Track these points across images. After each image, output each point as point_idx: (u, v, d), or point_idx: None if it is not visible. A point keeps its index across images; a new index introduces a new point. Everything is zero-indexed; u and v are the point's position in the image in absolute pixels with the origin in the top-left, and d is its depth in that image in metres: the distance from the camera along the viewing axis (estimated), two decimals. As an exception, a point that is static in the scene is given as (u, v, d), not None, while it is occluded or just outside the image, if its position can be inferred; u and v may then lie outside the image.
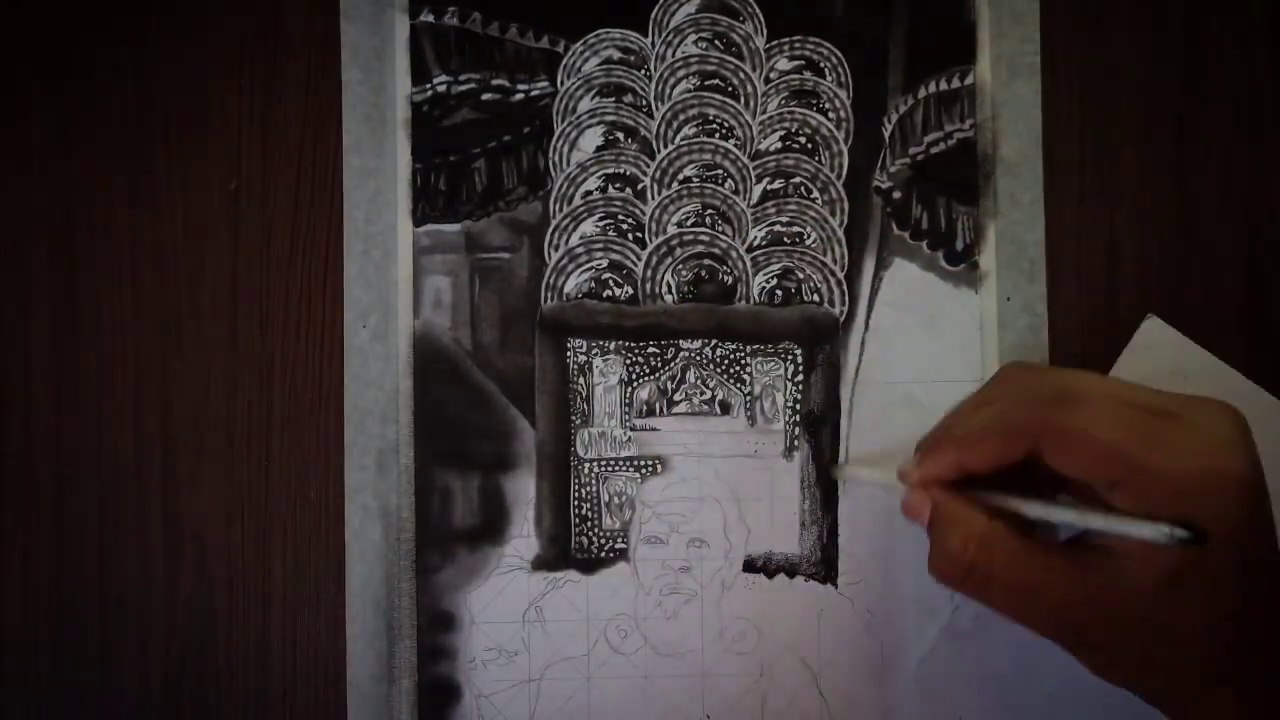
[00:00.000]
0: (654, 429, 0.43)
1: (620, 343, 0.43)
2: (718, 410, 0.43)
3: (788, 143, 0.43)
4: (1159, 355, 0.41)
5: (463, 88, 0.43)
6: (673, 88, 0.43)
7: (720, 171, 0.43)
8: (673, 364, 0.43)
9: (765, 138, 0.43)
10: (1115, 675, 0.34)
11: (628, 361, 0.43)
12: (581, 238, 0.43)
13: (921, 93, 0.43)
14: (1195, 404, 0.32)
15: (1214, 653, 0.32)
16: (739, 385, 0.43)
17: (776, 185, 0.43)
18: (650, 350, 0.43)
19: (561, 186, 0.43)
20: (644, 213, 0.43)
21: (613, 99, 0.43)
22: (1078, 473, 0.32)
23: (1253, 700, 0.32)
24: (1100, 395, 0.33)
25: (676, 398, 0.43)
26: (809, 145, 0.43)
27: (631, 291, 0.43)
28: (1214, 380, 0.41)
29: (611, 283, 0.43)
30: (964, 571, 0.34)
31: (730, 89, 0.43)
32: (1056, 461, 0.32)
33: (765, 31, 0.43)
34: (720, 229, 0.43)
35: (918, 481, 0.36)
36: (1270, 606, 0.32)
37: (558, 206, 0.43)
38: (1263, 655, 0.32)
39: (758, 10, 0.43)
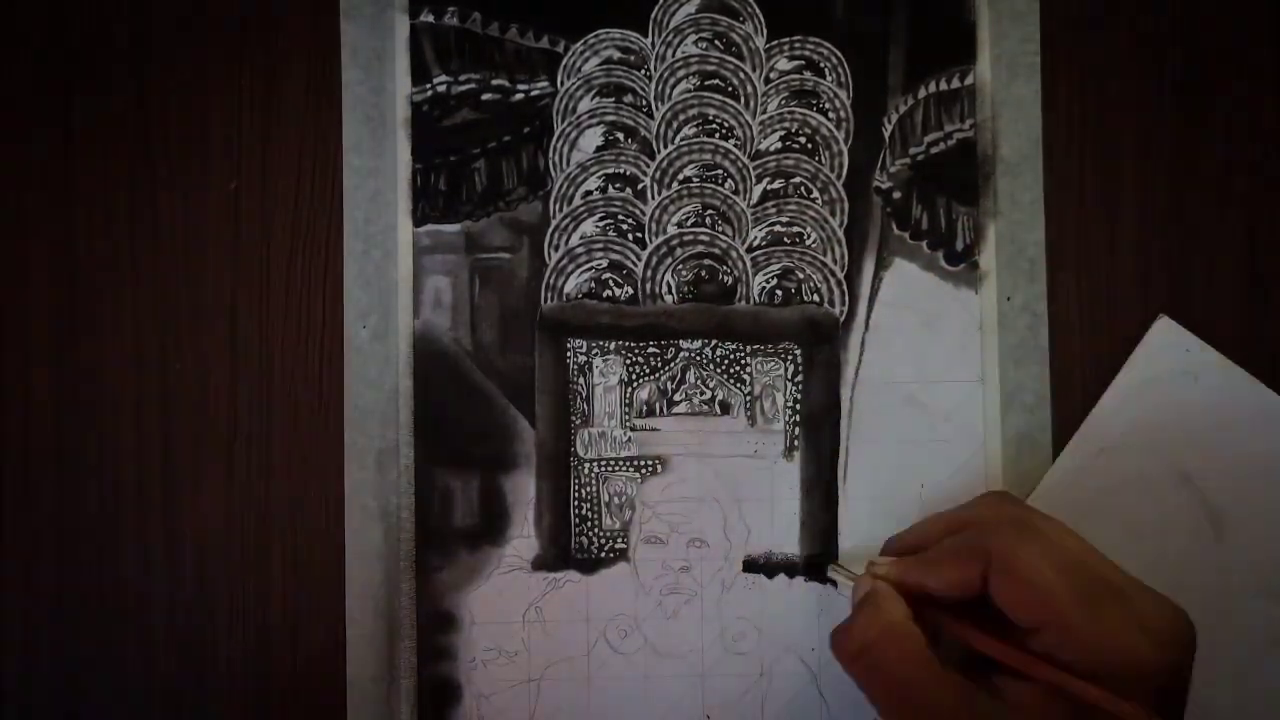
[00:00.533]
0: (654, 429, 0.43)
1: (620, 343, 0.43)
2: (718, 410, 0.43)
3: (788, 143, 0.43)
4: (1169, 356, 0.41)
5: (463, 88, 0.43)
6: (673, 88, 0.43)
7: (720, 171, 0.43)
8: (673, 364, 0.43)
9: (765, 138, 0.43)
10: None
11: (628, 361, 0.43)
12: (581, 238, 0.43)
13: (921, 93, 0.43)
14: (1148, 595, 0.33)
15: None
16: (739, 385, 0.43)
17: (776, 185, 0.43)
18: (650, 350, 0.43)
19: (561, 186, 0.43)
20: (644, 213, 0.43)
21: (613, 99, 0.43)
22: (1008, 607, 0.33)
23: None
24: (1057, 543, 0.33)
25: (676, 398, 0.43)
26: (809, 145, 0.43)
27: (631, 291, 0.43)
28: (1224, 382, 0.42)
29: (611, 283, 0.43)
30: (858, 649, 0.34)
31: (730, 89, 0.43)
32: (995, 591, 0.33)
33: (765, 31, 0.43)
34: (720, 229, 0.43)
35: (888, 580, 0.36)
36: None
37: (558, 206, 0.43)
38: None
39: (758, 10, 0.43)
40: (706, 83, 0.43)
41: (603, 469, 0.42)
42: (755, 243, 0.43)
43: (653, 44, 0.43)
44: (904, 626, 0.34)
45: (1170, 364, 0.42)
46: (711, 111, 0.43)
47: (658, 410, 0.43)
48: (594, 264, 0.43)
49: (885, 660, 0.34)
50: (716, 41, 0.43)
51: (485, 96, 0.43)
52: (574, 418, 0.43)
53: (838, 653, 0.35)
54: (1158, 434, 0.41)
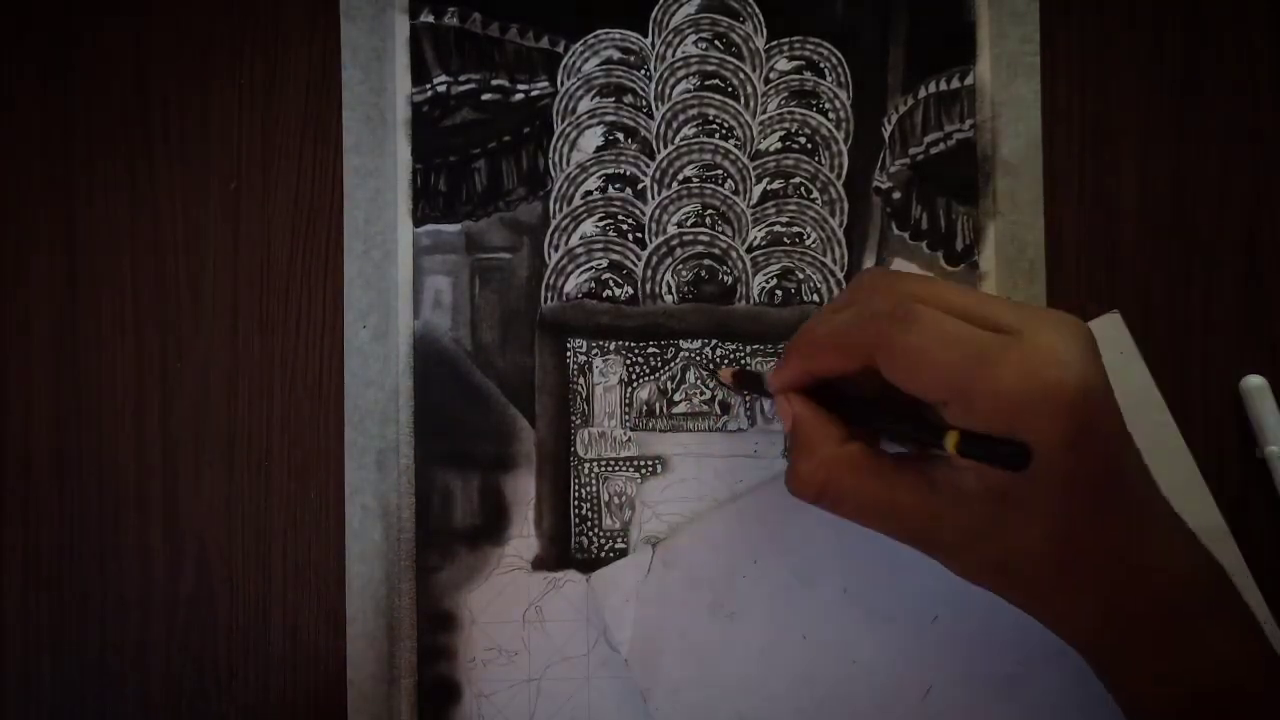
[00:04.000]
0: (654, 429, 0.43)
1: (620, 343, 0.43)
2: (718, 410, 0.43)
3: (788, 143, 0.43)
4: (1103, 347, 0.41)
5: (463, 88, 0.43)
6: (673, 88, 0.43)
7: (720, 172, 0.43)
8: (673, 364, 0.43)
9: (765, 138, 0.43)
10: (973, 577, 0.35)
11: (628, 362, 0.43)
12: (581, 238, 0.43)
13: (921, 93, 0.43)
14: (1038, 319, 0.32)
15: (1050, 564, 0.33)
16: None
17: (776, 185, 0.43)
18: (650, 350, 0.43)
19: (561, 187, 0.43)
20: (644, 213, 0.43)
21: (613, 99, 0.43)
22: (909, 389, 0.33)
23: (1106, 604, 0.33)
24: (939, 311, 0.32)
25: (676, 398, 0.43)
26: (809, 145, 0.43)
27: (631, 291, 0.43)
28: (1139, 399, 0.41)
29: (611, 283, 0.43)
30: (816, 491, 0.36)
31: (730, 89, 0.43)
32: (890, 377, 0.33)
33: (765, 32, 0.43)
34: (720, 229, 0.43)
35: (776, 389, 0.37)
36: (1109, 518, 0.32)
37: (558, 207, 0.43)
38: (1107, 563, 0.33)
39: (757, 10, 0.43)
40: (706, 83, 0.43)
41: (603, 469, 0.42)
42: (755, 243, 0.43)
43: (653, 44, 0.43)
44: (841, 456, 0.35)
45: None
46: (711, 112, 0.43)
47: (658, 410, 0.43)
48: (594, 264, 0.43)
49: (842, 493, 0.35)
50: (716, 42, 0.43)
51: (485, 96, 0.43)
52: (574, 417, 0.43)
53: (802, 499, 0.36)
54: None
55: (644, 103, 0.43)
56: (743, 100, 0.43)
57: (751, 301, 0.43)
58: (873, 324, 0.33)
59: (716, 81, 0.43)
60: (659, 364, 0.43)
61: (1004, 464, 0.31)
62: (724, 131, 0.43)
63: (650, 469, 0.43)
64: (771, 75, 0.43)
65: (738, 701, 0.40)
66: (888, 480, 0.35)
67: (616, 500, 0.42)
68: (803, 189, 0.43)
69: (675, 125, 0.43)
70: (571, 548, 0.42)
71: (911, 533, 0.35)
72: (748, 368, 0.42)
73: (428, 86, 0.43)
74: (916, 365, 0.32)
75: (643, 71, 0.43)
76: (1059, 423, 0.30)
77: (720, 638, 0.41)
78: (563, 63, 0.43)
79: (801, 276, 0.43)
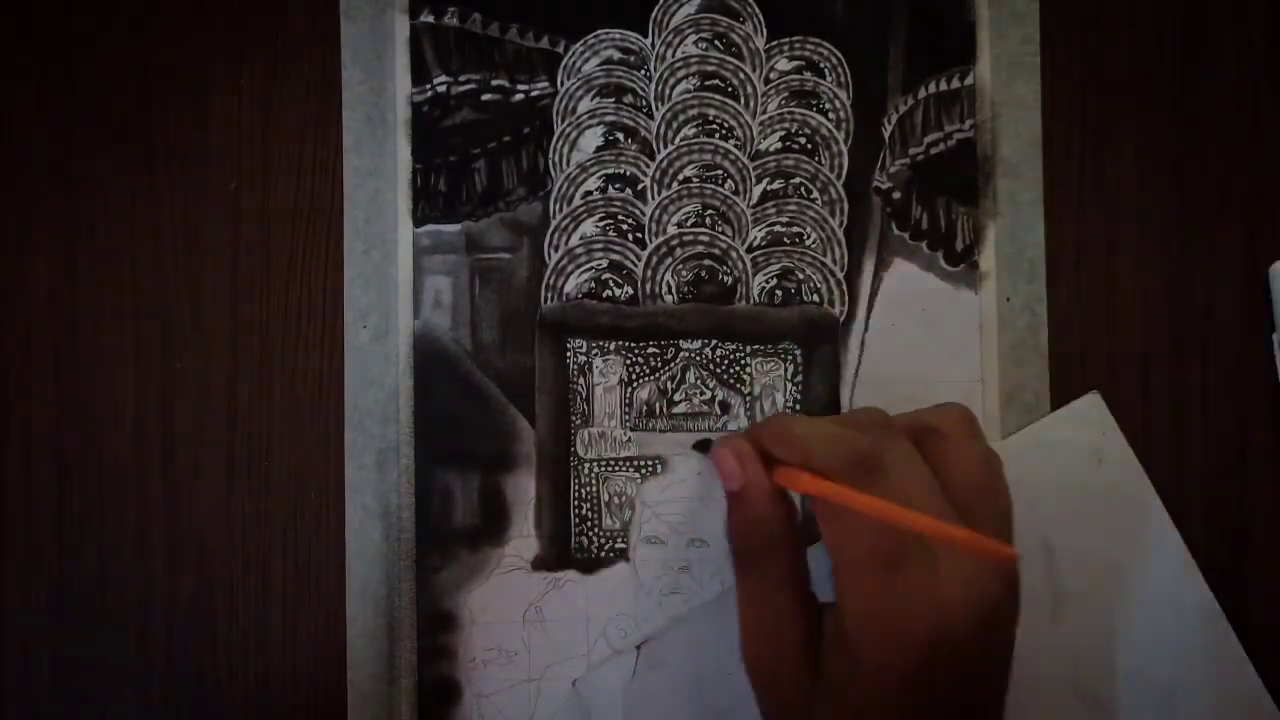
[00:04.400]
0: (654, 429, 0.43)
1: (620, 343, 0.43)
2: (718, 410, 0.43)
3: (788, 143, 0.43)
4: (1085, 430, 0.42)
5: (463, 88, 0.43)
6: (673, 88, 0.43)
7: (720, 172, 0.43)
8: (673, 364, 0.43)
9: (765, 138, 0.43)
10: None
11: (628, 362, 0.43)
12: (581, 238, 0.43)
13: (921, 93, 0.43)
14: (966, 551, 0.32)
15: None
16: (739, 385, 0.43)
17: (776, 186, 0.43)
18: (650, 350, 0.43)
19: (561, 187, 0.43)
20: (644, 213, 0.43)
21: (613, 99, 0.43)
22: (821, 525, 0.34)
23: None
24: (886, 492, 0.33)
25: (676, 398, 0.43)
26: (809, 146, 0.43)
27: (631, 292, 0.43)
28: (1120, 476, 0.41)
29: (611, 283, 0.43)
30: (742, 532, 0.37)
31: (730, 89, 0.43)
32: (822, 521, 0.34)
33: (765, 32, 0.43)
34: (720, 229, 0.43)
35: (733, 452, 0.37)
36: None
37: (558, 207, 0.43)
38: None
39: (758, 10, 0.43)
40: (706, 83, 0.43)
41: (603, 469, 0.42)
42: (755, 243, 0.43)
43: (653, 44, 0.43)
44: (776, 543, 0.36)
45: (1082, 437, 0.42)
46: (711, 112, 0.43)
47: (658, 410, 0.43)
48: (594, 264, 0.43)
49: (756, 572, 0.36)
50: (716, 42, 0.43)
51: (485, 97, 0.43)
52: (574, 417, 0.43)
53: (743, 514, 0.37)
54: (1040, 497, 0.41)
55: (644, 103, 0.43)
56: (743, 100, 0.43)
57: (751, 301, 0.43)
58: (841, 466, 0.34)
59: (716, 81, 0.43)
60: (659, 364, 0.43)
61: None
62: (724, 131, 0.43)
63: (650, 469, 0.43)
64: (771, 75, 0.43)
65: None
66: (792, 574, 0.36)
67: (616, 500, 0.42)
68: (803, 189, 0.43)
69: (675, 125, 0.43)
70: (571, 548, 0.42)
71: (758, 641, 0.36)
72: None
73: (428, 86, 0.43)
74: (836, 535, 0.34)
75: (643, 72, 0.43)
76: (906, 656, 0.32)
77: None
78: (563, 63, 0.43)
79: (801, 276, 0.43)
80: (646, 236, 0.43)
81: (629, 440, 0.43)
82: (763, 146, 0.43)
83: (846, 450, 0.34)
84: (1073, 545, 0.41)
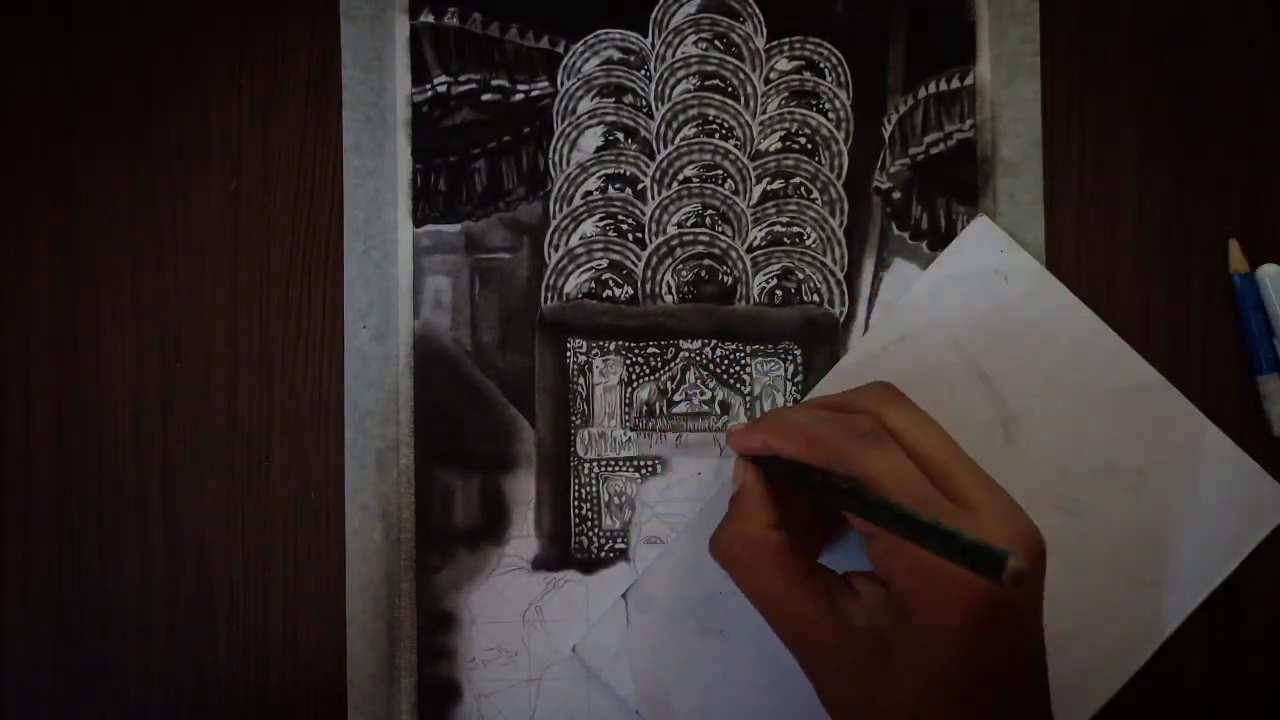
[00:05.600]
0: (654, 429, 0.43)
1: (620, 343, 0.43)
2: (718, 410, 0.43)
3: (788, 143, 0.43)
4: (983, 253, 0.42)
5: (463, 88, 0.43)
6: (673, 88, 0.43)
7: (720, 172, 0.43)
8: (673, 364, 0.43)
9: (765, 138, 0.43)
10: (836, 713, 0.35)
11: (628, 362, 0.43)
12: (581, 238, 0.43)
13: (921, 93, 0.43)
14: (998, 510, 0.33)
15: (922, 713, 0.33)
16: (739, 385, 0.43)
17: (776, 185, 0.43)
18: (650, 350, 0.43)
19: (561, 187, 0.43)
20: (644, 213, 0.43)
21: (613, 99, 0.43)
22: (796, 453, 0.35)
23: None
24: (907, 453, 0.33)
25: (676, 398, 0.43)
26: (809, 145, 0.43)
27: (631, 292, 0.43)
28: (1032, 286, 0.42)
29: (611, 283, 0.43)
30: (725, 560, 0.37)
31: (730, 89, 0.43)
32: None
33: (765, 32, 0.43)
34: (720, 229, 0.43)
35: (736, 448, 0.38)
36: (984, 693, 0.33)
37: (558, 207, 0.43)
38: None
39: (757, 10, 0.43)
40: (706, 83, 0.43)
41: (603, 469, 0.42)
42: (755, 243, 0.43)
43: (653, 44, 0.43)
44: (764, 539, 0.36)
45: (983, 262, 0.42)
46: (711, 112, 0.43)
47: (658, 410, 0.43)
48: (594, 264, 0.43)
49: (745, 572, 0.36)
50: (716, 42, 0.43)
51: (485, 97, 0.43)
52: (574, 418, 0.43)
53: (711, 556, 0.37)
54: (961, 329, 0.41)
55: (644, 103, 0.43)
56: (743, 100, 0.43)
57: (751, 301, 0.43)
58: (851, 436, 0.34)
59: (716, 81, 0.43)
60: (659, 364, 0.43)
61: (977, 568, 0.26)
62: (724, 131, 0.43)
63: (650, 469, 0.43)
64: (771, 75, 0.43)
65: (754, 713, 0.40)
66: (791, 583, 0.35)
67: (616, 500, 0.42)
68: (803, 189, 0.43)
69: (675, 125, 0.43)
70: (571, 548, 0.42)
71: (793, 641, 0.35)
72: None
73: (428, 87, 0.43)
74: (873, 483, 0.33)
75: (643, 71, 0.43)
76: (973, 608, 0.31)
77: (718, 658, 0.41)
78: (563, 63, 0.43)
79: (801, 276, 0.43)
80: (646, 236, 0.43)
81: (629, 440, 0.43)
82: (763, 146, 0.43)
83: (845, 429, 0.34)
84: (1006, 367, 0.41)
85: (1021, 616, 0.33)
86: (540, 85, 0.43)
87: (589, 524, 0.42)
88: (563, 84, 0.43)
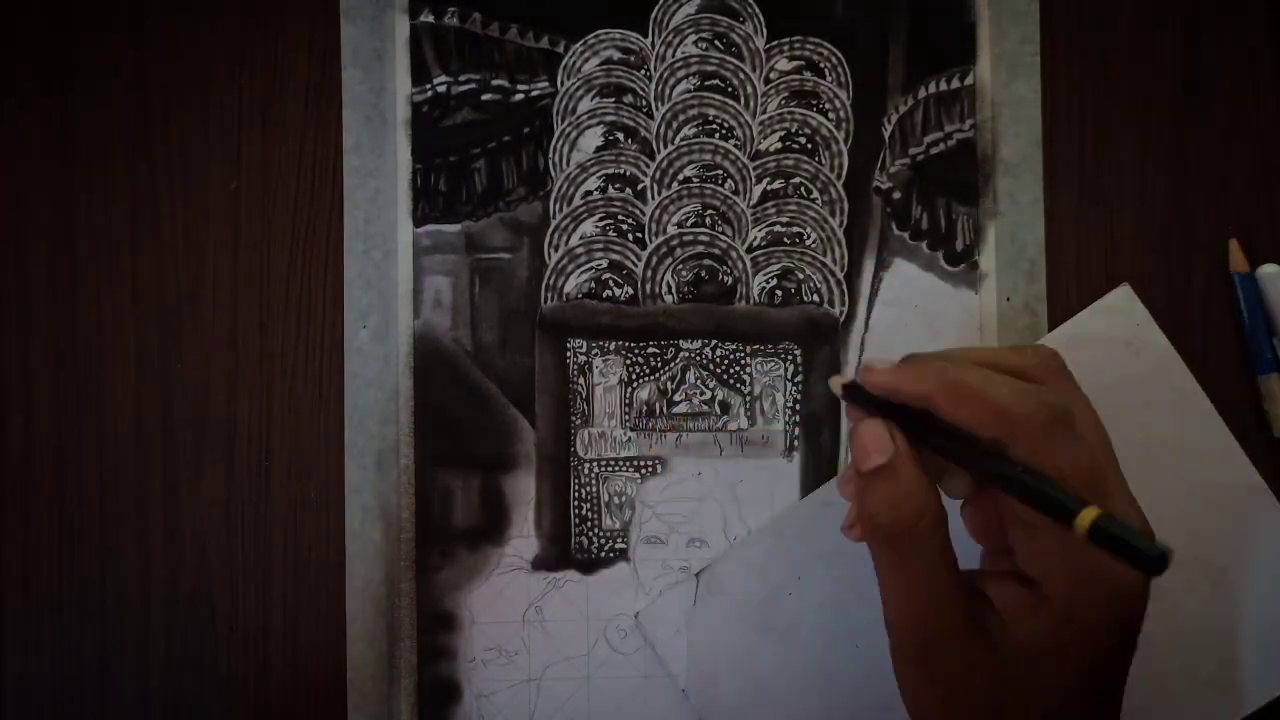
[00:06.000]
0: (654, 429, 0.43)
1: (620, 343, 0.43)
2: (718, 410, 0.43)
3: (788, 143, 0.43)
4: (1118, 322, 0.42)
5: (463, 88, 0.43)
6: (673, 88, 0.43)
7: (720, 172, 0.43)
8: (673, 364, 0.43)
9: (765, 138, 0.43)
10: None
11: (628, 362, 0.43)
12: (581, 238, 0.43)
13: (921, 93, 0.43)
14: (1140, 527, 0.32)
15: (1074, 702, 0.32)
16: (739, 385, 0.43)
17: (776, 185, 0.43)
18: (650, 350, 0.43)
19: (561, 187, 0.43)
20: (644, 213, 0.43)
21: (613, 99, 0.43)
22: (970, 423, 0.30)
23: None
24: (1082, 457, 0.31)
25: (676, 398, 0.43)
26: (809, 145, 0.43)
27: (631, 292, 0.43)
28: (1158, 365, 0.41)
29: (611, 283, 0.43)
30: (891, 520, 0.31)
31: (730, 89, 0.43)
32: (950, 412, 0.31)
33: (765, 32, 0.43)
34: (720, 229, 0.43)
35: (881, 388, 0.32)
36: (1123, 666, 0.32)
37: (558, 207, 0.43)
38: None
39: (758, 10, 0.43)
40: (706, 83, 0.43)
41: (603, 469, 0.42)
42: (755, 243, 0.43)
43: (653, 44, 0.43)
44: (938, 511, 0.31)
45: (1116, 330, 0.42)
46: (711, 112, 0.43)
47: (658, 410, 0.43)
48: (594, 264, 0.43)
49: (910, 537, 0.31)
50: (716, 42, 0.43)
51: (485, 97, 0.43)
52: (574, 418, 0.43)
53: (869, 521, 0.32)
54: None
55: (644, 103, 0.43)
56: (743, 100, 0.43)
57: (751, 301, 0.43)
58: (1047, 422, 0.30)
59: (716, 81, 0.43)
60: (659, 364, 0.43)
61: (1140, 564, 0.27)
62: (724, 131, 0.43)
63: (650, 469, 0.43)
64: (771, 75, 0.43)
65: (798, 718, 0.40)
66: (939, 565, 0.32)
67: (616, 500, 0.42)
68: (803, 189, 0.43)
69: (675, 125, 0.43)
70: (571, 548, 0.42)
71: (914, 628, 0.32)
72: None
73: (428, 86, 0.43)
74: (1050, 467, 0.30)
75: (643, 71, 0.43)
76: (1126, 611, 0.31)
77: (774, 657, 0.41)
78: (563, 63, 0.43)
79: (801, 276, 0.43)
80: (646, 236, 0.43)
81: (629, 440, 0.43)
82: (763, 146, 0.43)
83: (1039, 406, 0.30)
84: (1115, 437, 0.41)
85: (1141, 615, 0.32)
86: (540, 85, 0.43)
87: (589, 524, 0.42)
88: (563, 84, 0.43)
